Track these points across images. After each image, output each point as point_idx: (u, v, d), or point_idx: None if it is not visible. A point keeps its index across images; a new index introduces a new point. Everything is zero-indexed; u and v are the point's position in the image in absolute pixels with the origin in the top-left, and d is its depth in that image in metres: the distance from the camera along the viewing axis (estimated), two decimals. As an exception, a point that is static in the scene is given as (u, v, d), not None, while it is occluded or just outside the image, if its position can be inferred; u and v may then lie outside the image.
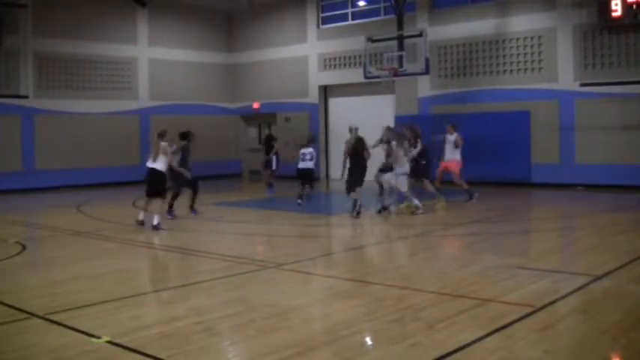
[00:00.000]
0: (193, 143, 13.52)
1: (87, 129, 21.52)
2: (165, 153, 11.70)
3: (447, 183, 15.18)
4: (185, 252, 9.42)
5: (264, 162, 18.85)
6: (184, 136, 13.60)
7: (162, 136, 11.86)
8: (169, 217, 12.89)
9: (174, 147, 12.82)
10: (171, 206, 13.05)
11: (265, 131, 20.88)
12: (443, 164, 14.80)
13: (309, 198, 15.21)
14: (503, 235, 10.43)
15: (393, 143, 13.19)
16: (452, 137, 14.66)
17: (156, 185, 11.73)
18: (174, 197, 13.17)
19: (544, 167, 18.11)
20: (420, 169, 13.72)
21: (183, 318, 5.87)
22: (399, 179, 13.03)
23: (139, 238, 11.00)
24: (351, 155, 13.21)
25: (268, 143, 19.03)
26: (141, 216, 11.76)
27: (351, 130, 13.89)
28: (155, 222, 11.47)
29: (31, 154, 20.55)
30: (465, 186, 14.65)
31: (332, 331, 5.44)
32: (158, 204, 11.84)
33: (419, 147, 13.75)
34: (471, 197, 14.53)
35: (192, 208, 13.50)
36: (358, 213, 12.53)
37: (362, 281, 7.32)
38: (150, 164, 11.74)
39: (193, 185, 13.45)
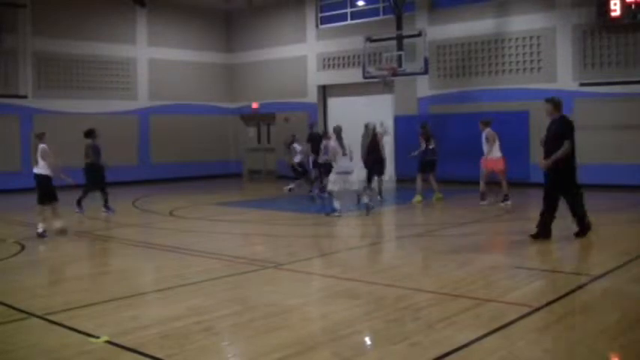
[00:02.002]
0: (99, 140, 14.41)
1: (86, 129, 21.46)
2: (43, 156, 11.18)
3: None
4: (184, 252, 9.41)
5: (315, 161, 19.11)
6: (88, 134, 14.19)
7: (40, 138, 11.48)
8: (78, 211, 13.74)
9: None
10: (79, 201, 13.87)
11: (310, 129, 20.43)
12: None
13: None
14: (502, 234, 10.43)
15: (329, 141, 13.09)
16: (484, 133, 14.21)
17: (43, 191, 11.19)
18: (85, 193, 13.99)
19: (543, 167, 18.08)
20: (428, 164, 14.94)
21: (182, 318, 5.86)
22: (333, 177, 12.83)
23: (139, 238, 10.99)
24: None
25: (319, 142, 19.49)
26: (40, 228, 11.03)
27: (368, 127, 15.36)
28: (40, 230, 10.93)
29: (30, 154, 20.46)
30: (505, 189, 14.22)
31: (331, 331, 5.44)
32: (48, 210, 11.30)
33: (428, 145, 14.84)
34: (504, 200, 14.15)
35: (106, 206, 13.99)
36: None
37: (361, 281, 7.32)
38: (34, 170, 11.31)
39: (101, 184, 14.11)
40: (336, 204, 12.67)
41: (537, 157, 18.06)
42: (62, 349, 5.06)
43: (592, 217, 12.53)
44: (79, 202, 14.08)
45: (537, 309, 5.87)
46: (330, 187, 12.80)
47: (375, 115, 21.35)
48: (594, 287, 6.78)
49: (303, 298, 6.72)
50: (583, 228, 9.58)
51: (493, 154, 14.01)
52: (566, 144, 9.09)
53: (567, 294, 6.48)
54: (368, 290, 6.94)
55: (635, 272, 7.61)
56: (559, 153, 9.11)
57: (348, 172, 12.74)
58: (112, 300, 6.59)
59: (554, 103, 9.39)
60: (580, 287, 6.76)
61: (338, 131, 13.01)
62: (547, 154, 9.34)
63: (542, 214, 9.56)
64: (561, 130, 9.19)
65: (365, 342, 5.33)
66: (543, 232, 9.53)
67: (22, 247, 9.95)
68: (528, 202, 16.02)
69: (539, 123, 17.95)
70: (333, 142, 12.84)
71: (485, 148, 14.03)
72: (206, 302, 6.49)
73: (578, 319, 5.84)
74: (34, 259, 9.43)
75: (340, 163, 12.70)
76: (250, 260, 8.61)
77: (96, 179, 14.11)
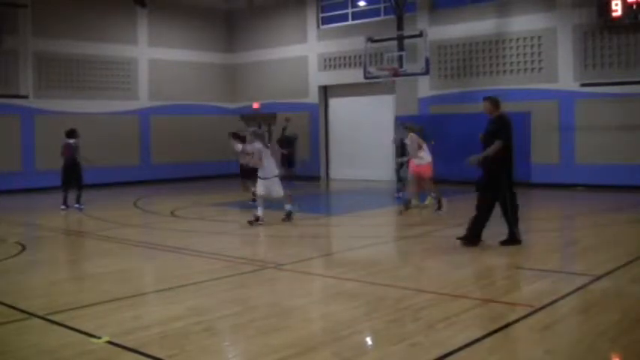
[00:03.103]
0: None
1: (87, 129, 21.36)
2: None
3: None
4: (185, 252, 9.42)
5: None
6: (72, 134, 15.12)
7: None
8: (78, 206, 14.72)
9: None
10: (78, 198, 14.86)
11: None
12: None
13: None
14: (502, 235, 10.41)
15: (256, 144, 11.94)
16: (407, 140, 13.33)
17: None
18: (80, 190, 14.96)
19: (544, 167, 18.11)
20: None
21: (183, 318, 5.87)
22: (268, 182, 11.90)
23: (139, 238, 11.00)
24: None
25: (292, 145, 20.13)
26: None
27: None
28: None
29: (30, 154, 20.56)
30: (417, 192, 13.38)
31: (332, 331, 5.44)
32: None
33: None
34: (406, 207, 13.22)
35: (78, 202, 14.92)
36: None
37: (362, 281, 7.33)
38: None
39: (79, 182, 15.02)
40: (259, 211, 11.85)
41: (538, 157, 18.21)
42: (63, 350, 5.07)
43: (593, 217, 12.59)
44: (78, 200, 14.87)
45: (538, 309, 5.87)
46: (259, 191, 11.94)
47: (375, 116, 21.45)
48: (594, 287, 6.78)
49: (303, 299, 6.72)
50: (511, 237, 9.25)
51: (425, 160, 13.17)
52: (497, 143, 8.89)
53: (567, 294, 6.48)
54: (368, 291, 6.94)
55: (635, 272, 7.61)
56: (489, 150, 8.89)
57: (269, 177, 11.88)
58: (113, 300, 6.60)
59: (493, 101, 9.29)
60: (580, 287, 6.75)
61: (261, 134, 12.29)
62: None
63: (474, 217, 9.27)
64: (496, 129, 9.09)
65: (365, 342, 5.34)
66: (472, 237, 9.25)
67: (23, 248, 9.96)
68: (529, 203, 16.04)
69: (540, 123, 18.09)
70: (258, 145, 11.86)
71: (416, 153, 13.11)
72: (206, 302, 6.50)
73: (579, 319, 5.85)
74: (35, 259, 9.43)
75: (268, 168, 11.85)
76: (250, 260, 8.62)
77: (81, 176, 15.10)
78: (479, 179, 9.37)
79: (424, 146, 13.26)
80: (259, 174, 11.91)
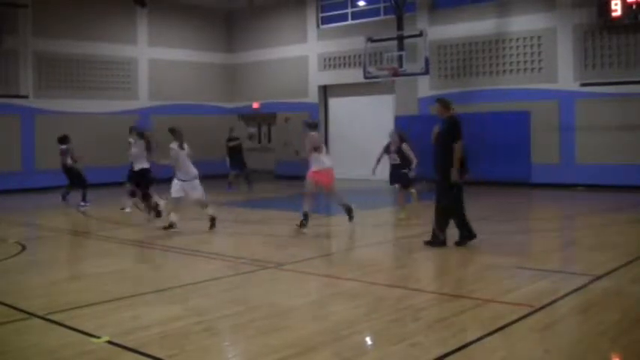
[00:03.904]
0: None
1: (87, 129, 21.51)
2: None
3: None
4: (185, 252, 9.42)
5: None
6: (64, 140, 15.80)
7: None
8: (84, 204, 15.25)
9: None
10: (84, 196, 15.53)
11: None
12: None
13: None
14: (502, 235, 10.43)
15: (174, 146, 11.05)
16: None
17: None
18: (85, 188, 15.61)
19: (544, 167, 18.12)
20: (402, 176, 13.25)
21: (182, 318, 5.87)
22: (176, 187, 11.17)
23: (139, 238, 11.00)
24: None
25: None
26: None
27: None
28: None
29: (30, 154, 20.56)
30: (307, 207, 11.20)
31: (332, 331, 5.44)
32: None
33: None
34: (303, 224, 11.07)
35: (84, 200, 15.49)
36: None
37: (362, 281, 7.33)
38: None
39: (82, 182, 15.76)
40: (174, 217, 11.23)
41: (538, 157, 18.20)
42: (63, 349, 5.07)
43: (593, 217, 12.58)
44: (84, 198, 15.46)
45: (538, 309, 5.87)
46: (175, 193, 11.13)
47: (376, 116, 21.45)
48: (594, 287, 6.78)
49: (303, 299, 6.72)
50: (435, 239, 9.20)
51: (326, 164, 11.56)
52: (457, 144, 8.87)
53: (567, 294, 6.48)
54: (368, 290, 6.94)
55: (635, 272, 7.61)
56: (456, 159, 8.88)
57: (189, 180, 11.19)
58: (113, 300, 6.59)
59: (443, 103, 9.29)
60: (580, 287, 6.75)
61: (179, 132, 11.18)
62: (435, 155, 9.16)
63: (458, 218, 9.21)
64: (448, 130, 9.00)
65: (365, 342, 5.34)
66: (468, 235, 9.19)
67: (23, 248, 9.95)
68: (530, 203, 16.05)
69: (540, 123, 18.09)
70: (173, 145, 11.04)
71: (313, 155, 11.47)
72: (206, 302, 6.50)
73: (579, 319, 5.84)
74: (35, 259, 9.43)
75: (187, 170, 11.13)
76: (250, 260, 8.61)
77: (81, 177, 15.86)
78: (438, 182, 9.30)
79: (323, 149, 11.55)
80: (178, 176, 11.16)
